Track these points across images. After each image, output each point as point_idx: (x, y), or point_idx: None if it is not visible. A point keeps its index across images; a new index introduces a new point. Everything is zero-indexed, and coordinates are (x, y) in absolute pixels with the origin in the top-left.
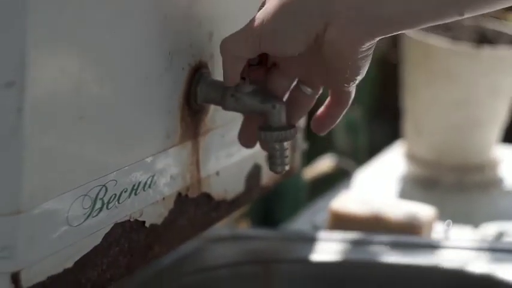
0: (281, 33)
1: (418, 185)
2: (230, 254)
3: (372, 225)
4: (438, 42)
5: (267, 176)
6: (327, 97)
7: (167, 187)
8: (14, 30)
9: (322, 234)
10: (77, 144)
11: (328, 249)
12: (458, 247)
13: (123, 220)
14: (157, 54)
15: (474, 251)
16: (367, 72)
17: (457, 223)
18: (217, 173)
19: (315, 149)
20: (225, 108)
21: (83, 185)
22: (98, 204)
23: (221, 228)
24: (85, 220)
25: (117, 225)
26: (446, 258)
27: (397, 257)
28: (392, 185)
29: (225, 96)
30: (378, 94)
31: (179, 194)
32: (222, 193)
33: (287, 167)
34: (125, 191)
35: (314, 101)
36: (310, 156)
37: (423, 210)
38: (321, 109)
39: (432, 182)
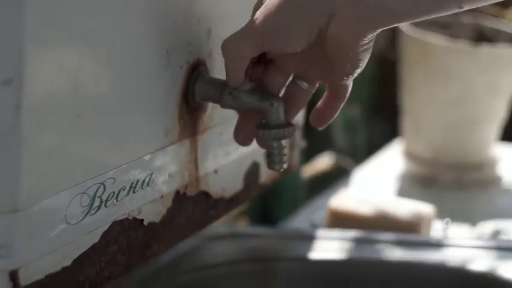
0: (285, 29)
1: (416, 183)
2: (228, 252)
3: (371, 224)
4: (436, 40)
5: (265, 174)
6: (324, 93)
7: (165, 185)
8: (12, 27)
9: (321, 232)
10: (75, 142)
11: (326, 247)
12: (458, 245)
13: (121, 218)
14: (155, 52)
15: (475, 249)
16: (365, 70)
17: (456, 221)
18: (216, 171)
19: (313, 147)
20: (223, 106)
21: (81, 183)
22: (96, 202)
23: (219, 226)
24: (83, 218)
25: (115, 224)
26: (446, 256)
27: (395, 255)
28: (391, 183)
29: (223, 94)
30: (376, 92)
31: (177, 192)
32: (220, 191)
33: (285, 165)
34: (123, 189)
35: (310, 96)
36: (308, 155)
37: (422, 209)
38: (319, 103)
39: (430, 180)
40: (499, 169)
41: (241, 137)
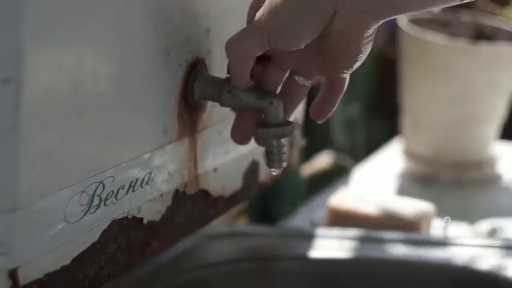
0: (292, 25)
1: (416, 182)
2: (228, 251)
3: (371, 222)
4: (436, 38)
5: (264, 173)
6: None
7: (165, 184)
8: (11, 26)
9: (321, 231)
10: (74, 141)
11: (326, 245)
12: (459, 244)
13: (120, 217)
14: (154, 50)
15: (477, 247)
16: (365, 68)
17: (455, 220)
18: (215, 170)
19: (312, 146)
20: (222, 104)
21: (80, 181)
22: (96, 201)
23: (219, 225)
24: (82, 217)
25: (114, 222)
26: (447, 255)
27: (396, 254)
28: (391, 182)
29: (222, 92)
30: (375, 90)
31: (177, 191)
32: (219, 190)
33: (285, 164)
34: (123, 188)
35: (307, 91)
36: (308, 153)
37: (422, 207)
38: (317, 97)
39: (430, 178)
40: (499, 167)
41: (239, 136)
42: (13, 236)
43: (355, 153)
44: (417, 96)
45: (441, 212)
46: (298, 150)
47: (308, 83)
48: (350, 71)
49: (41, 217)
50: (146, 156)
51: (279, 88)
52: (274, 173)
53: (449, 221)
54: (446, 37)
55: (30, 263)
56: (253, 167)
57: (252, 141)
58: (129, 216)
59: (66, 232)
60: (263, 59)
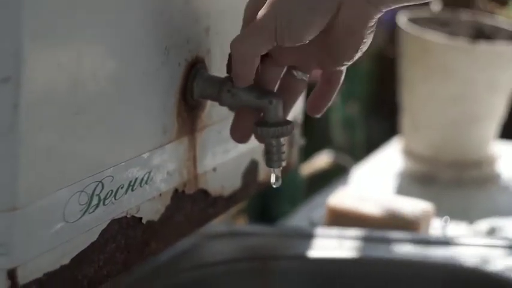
0: (299, 20)
1: (415, 181)
2: (227, 251)
3: (370, 222)
4: (435, 37)
5: (264, 172)
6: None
7: (164, 183)
8: (10, 26)
9: (320, 231)
10: (73, 140)
11: (325, 245)
12: (456, 243)
13: (119, 216)
14: (153, 49)
15: (472, 246)
16: (364, 67)
17: (455, 219)
18: (214, 169)
19: (312, 145)
20: (222, 103)
21: (79, 181)
22: (95, 201)
23: (218, 224)
24: (81, 216)
25: (113, 222)
26: (445, 254)
27: (394, 253)
28: (390, 181)
29: (221, 91)
30: (375, 90)
31: (176, 190)
32: (219, 189)
33: (284, 163)
34: (122, 187)
35: (306, 85)
36: (307, 152)
37: (421, 206)
38: (314, 92)
39: (430, 178)
40: (498, 167)
41: (238, 134)
42: (12, 236)
43: (354, 152)
44: (417, 95)
45: (440, 212)
46: (298, 149)
47: (306, 77)
48: (351, 62)
49: (40, 217)
50: (145, 155)
51: (277, 84)
52: (274, 180)
53: (449, 220)
54: (445, 36)
55: (29, 263)
56: (253, 167)
57: (251, 141)
58: (128, 216)
59: (65, 232)
60: (261, 57)
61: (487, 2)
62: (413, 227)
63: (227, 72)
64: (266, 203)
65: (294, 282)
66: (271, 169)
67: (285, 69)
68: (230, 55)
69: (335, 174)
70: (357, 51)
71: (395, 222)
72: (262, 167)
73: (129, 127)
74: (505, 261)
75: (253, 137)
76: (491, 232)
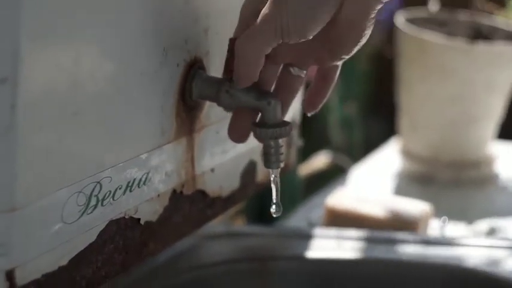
0: (304, 16)
1: (413, 181)
2: (226, 251)
3: (368, 222)
4: (433, 37)
5: (262, 173)
6: None
7: (162, 184)
8: (8, 26)
9: (318, 231)
10: (72, 141)
11: (324, 245)
12: (455, 243)
13: (118, 217)
14: (152, 50)
15: (474, 247)
16: (362, 68)
17: (453, 219)
18: (212, 170)
19: (310, 146)
20: (220, 104)
21: (77, 181)
22: (93, 201)
23: (216, 225)
24: (80, 217)
25: (112, 223)
26: (445, 255)
27: (393, 254)
28: (388, 182)
29: (220, 92)
30: (373, 90)
31: (174, 191)
32: (217, 190)
33: (282, 164)
34: (120, 188)
35: (303, 82)
36: (305, 153)
37: (419, 207)
38: (310, 88)
39: (428, 178)
40: (496, 167)
41: (236, 134)
42: (11, 237)
43: (352, 152)
44: (415, 95)
45: (439, 212)
46: (296, 150)
47: (303, 74)
48: (349, 56)
49: (38, 217)
50: (144, 156)
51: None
52: (274, 210)
53: (447, 220)
54: (443, 36)
55: (28, 264)
56: (251, 167)
57: (250, 141)
58: (126, 217)
59: (63, 232)
60: None
61: (485, 2)
62: (411, 227)
63: (224, 73)
64: (264, 204)
65: (293, 282)
66: (270, 170)
67: (281, 67)
68: (228, 56)
69: (333, 175)
70: (356, 45)
71: (393, 222)
72: (261, 168)
73: (127, 128)
74: (508, 262)
75: (251, 137)
76: (491, 233)
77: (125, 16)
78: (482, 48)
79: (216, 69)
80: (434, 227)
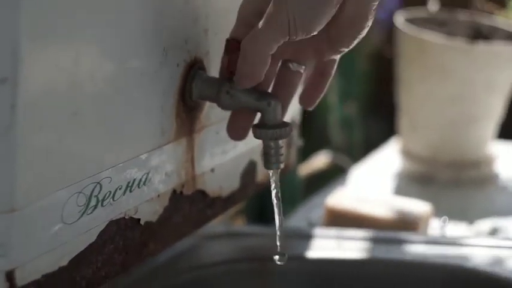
0: (311, 12)
1: (413, 181)
2: (226, 251)
3: (368, 222)
4: (433, 37)
5: (262, 173)
6: None
7: (162, 184)
8: (8, 26)
9: (318, 231)
10: (71, 141)
11: (324, 245)
12: (455, 243)
13: (118, 217)
14: (152, 50)
15: (472, 246)
16: (361, 68)
17: (453, 219)
18: (212, 170)
19: (310, 146)
20: (220, 105)
21: (77, 182)
22: (93, 202)
23: (216, 225)
24: (80, 218)
25: (112, 223)
26: (444, 254)
27: (393, 254)
28: (388, 182)
29: (220, 93)
30: (372, 90)
31: (174, 191)
32: (217, 190)
33: (282, 165)
34: (120, 188)
35: (301, 77)
36: (305, 153)
37: (419, 207)
38: (306, 84)
39: (428, 178)
40: (496, 167)
41: (235, 132)
42: (10, 237)
43: (352, 152)
44: (414, 95)
45: (439, 212)
46: (296, 150)
47: (302, 69)
48: (349, 49)
49: (38, 218)
50: (144, 156)
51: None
52: (278, 257)
53: (447, 220)
54: (443, 36)
55: (28, 264)
56: (251, 167)
57: (250, 141)
58: (126, 217)
59: (63, 233)
60: None
61: (485, 2)
62: (412, 227)
63: (222, 74)
64: (264, 204)
65: (293, 282)
66: (270, 171)
67: (279, 64)
68: (226, 57)
69: (333, 175)
70: (357, 38)
71: (394, 222)
72: (261, 168)
73: (127, 128)
74: (509, 261)
75: (251, 138)
76: (493, 233)
77: (125, 16)
78: (482, 48)
79: (216, 69)
80: (435, 227)
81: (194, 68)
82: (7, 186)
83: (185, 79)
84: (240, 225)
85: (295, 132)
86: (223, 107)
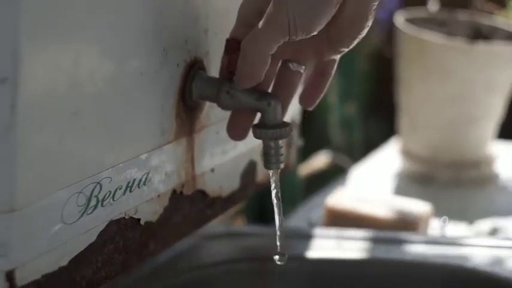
0: (311, 12)
1: (413, 181)
2: (226, 251)
3: (368, 222)
4: (433, 37)
5: (262, 173)
6: None
7: (162, 184)
8: (8, 26)
9: (318, 231)
10: (71, 141)
11: (324, 245)
12: (456, 243)
13: (118, 218)
14: (152, 50)
15: (472, 247)
16: (361, 68)
17: (453, 219)
18: (212, 170)
19: (310, 146)
20: (220, 105)
21: (77, 182)
22: (93, 202)
23: (216, 225)
24: (80, 218)
25: (112, 223)
26: (444, 254)
27: (393, 254)
28: (388, 182)
29: (220, 93)
30: (372, 90)
31: (174, 191)
32: (217, 190)
33: (282, 165)
34: (120, 188)
35: (301, 77)
36: (305, 153)
37: (419, 207)
38: (306, 84)
39: (428, 178)
40: (496, 167)
41: (235, 132)
42: (10, 237)
43: (352, 152)
44: (414, 95)
45: (439, 212)
46: (296, 150)
47: (302, 69)
48: (349, 49)
49: (38, 218)
50: (144, 156)
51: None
52: (278, 257)
53: (447, 220)
54: (443, 36)
55: (28, 264)
56: (251, 167)
57: (250, 141)
58: (126, 217)
59: (63, 233)
60: None
61: (485, 2)
62: (411, 228)
63: (221, 74)
64: (264, 204)
65: (293, 282)
66: (270, 171)
67: (279, 64)
68: (225, 57)
69: (333, 175)
70: (357, 37)
71: (394, 222)
72: (261, 168)
73: (127, 128)
74: (509, 262)
75: (251, 138)
76: (493, 233)
77: (125, 16)
78: (482, 48)
79: (216, 69)
80: (435, 227)
81: (194, 68)
82: (7, 186)
83: (185, 79)
84: (240, 225)
85: (295, 132)
86: (223, 107)
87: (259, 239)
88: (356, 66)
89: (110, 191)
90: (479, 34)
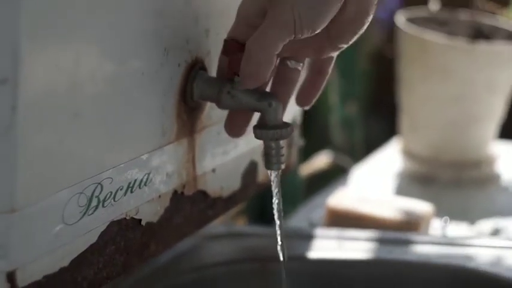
0: (316, 10)
1: (414, 182)
2: (227, 252)
3: (369, 222)
4: (434, 37)
5: (263, 173)
6: None
7: (163, 185)
8: (8, 26)
9: (319, 231)
10: (72, 142)
11: (325, 246)
12: (457, 244)
13: (119, 218)
14: (153, 50)
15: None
16: (362, 67)
17: (454, 219)
18: (213, 170)
19: (311, 146)
20: (221, 105)
21: (78, 183)
22: (94, 202)
23: (217, 225)
24: (81, 218)
25: (113, 224)
26: (446, 255)
27: (394, 254)
28: (389, 182)
29: (221, 93)
30: (373, 90)
31: (175, 192)
32: (218, 190)
33: (283, 166)
34: (121, 189)
35: (300, 75)
36: (306, 153)
37: (420, 207)
38: (304, 83)
39: (429, 178)
40: (498, 167)
41: (233, 128)
42: (11, 238)
43: (353, 153)
44: (415, 95)
45: (440, 212)
46: (297, 150)
47: (300, 66)
48: (348, 45)
49: (39, 218)
50: (144, 157)
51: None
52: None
53: (448, 220)
54: (444, 36)
55: (28, 265)
56: (252, 168)
57: (251, 142)
58: (127, 218)
59: (64, 234)
60: None
61: (486, 1)
62: (412, 228)
63: (219, 73)
64: (265, 204)
65: (294, 283)
66: (271, 171)
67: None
68: (226, 57)
69: (334, 175)
70: (357, 33)
71: (395, 222)
72: (262, 168)
73: (128, 128)
74: (511, 262)
75: (251, 138)
76: (495, 233)
77: (125, 16)
78: (483, 48)
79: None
80: (436, 227)
81: (195, 68)
82: (7, 187)
83: (186, 79)
84: (241, 225)
85: (296, 133)
86: (224, 107)
87: (261, 240)
88: (357, 66)
89: (111, 192)
90: (481, 34)
